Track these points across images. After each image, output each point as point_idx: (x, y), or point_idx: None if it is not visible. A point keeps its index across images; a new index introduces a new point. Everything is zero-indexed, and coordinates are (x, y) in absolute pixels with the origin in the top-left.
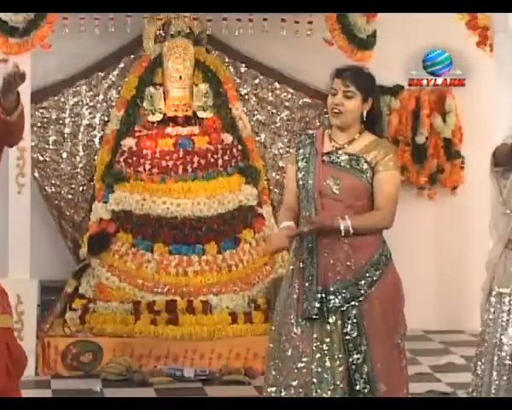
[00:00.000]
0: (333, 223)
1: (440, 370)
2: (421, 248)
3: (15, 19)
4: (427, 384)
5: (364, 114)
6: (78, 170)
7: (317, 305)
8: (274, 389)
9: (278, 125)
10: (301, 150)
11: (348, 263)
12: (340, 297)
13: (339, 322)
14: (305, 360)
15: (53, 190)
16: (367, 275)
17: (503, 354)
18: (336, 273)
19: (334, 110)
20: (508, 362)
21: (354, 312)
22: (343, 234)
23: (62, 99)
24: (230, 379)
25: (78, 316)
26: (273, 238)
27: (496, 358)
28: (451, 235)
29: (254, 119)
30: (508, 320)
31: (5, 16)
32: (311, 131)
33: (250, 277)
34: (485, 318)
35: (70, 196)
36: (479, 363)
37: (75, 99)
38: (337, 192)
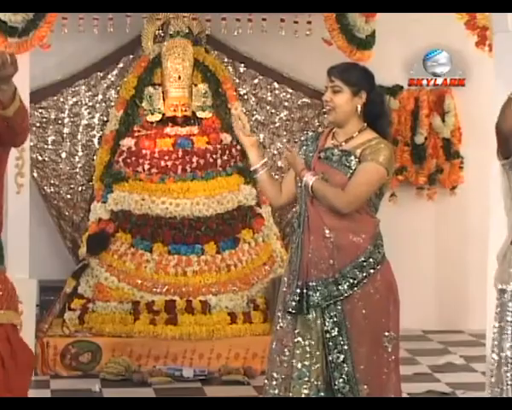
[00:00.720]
0: (301, 171)
1: (439, 370)
2: (421, 248)
3: (14, 19)
4: (426, 384)
5: (359, 109)
6: (77, 170)
7: (297, 299)
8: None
9: (277, 125)
10: (304, 148)
11: (331, 262)
12: (318, 294)
13: (319, 320)
14: (287, 354)
15: (52, 190)
16: (348, 276)
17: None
18: (319, 271)
19: (327, 107)
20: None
21: (335, 311)
22: (302, 186)
23: (61, 99)
24: (229, 379)
25: (77, 316)
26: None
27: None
28: (451, 235)
29: (253, 119)
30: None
31: (4, 16)
32: (320, 129)
33: (249, 277)
34: (494, 315)
35: (69, 196)
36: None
37: (74, 99)
38: None
